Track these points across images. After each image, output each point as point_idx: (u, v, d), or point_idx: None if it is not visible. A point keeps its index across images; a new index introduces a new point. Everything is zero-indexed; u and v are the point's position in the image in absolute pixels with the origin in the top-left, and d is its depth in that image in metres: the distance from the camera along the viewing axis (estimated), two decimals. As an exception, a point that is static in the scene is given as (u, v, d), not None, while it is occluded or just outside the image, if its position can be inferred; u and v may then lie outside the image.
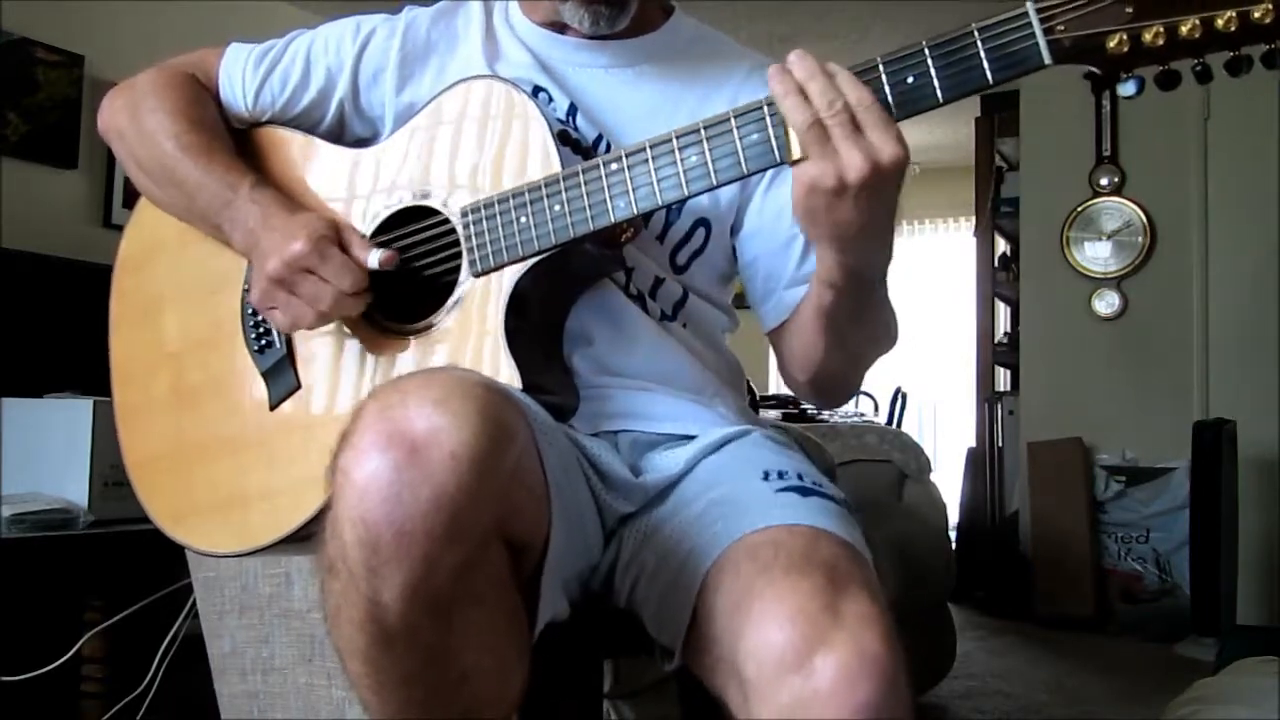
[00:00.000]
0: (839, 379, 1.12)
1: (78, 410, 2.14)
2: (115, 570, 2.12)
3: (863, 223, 0.90)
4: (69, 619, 2.14)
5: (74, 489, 2.13)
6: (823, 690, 0.76)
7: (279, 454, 1.11)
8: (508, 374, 0.98)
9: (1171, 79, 0.85)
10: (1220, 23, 0.80)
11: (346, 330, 1.10)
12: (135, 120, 1.18)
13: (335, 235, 1.05)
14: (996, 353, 4.95)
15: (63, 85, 3.28)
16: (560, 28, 1.16)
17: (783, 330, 1.13)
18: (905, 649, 0.80)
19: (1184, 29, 0.81)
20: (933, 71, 0.87)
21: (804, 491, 0.96)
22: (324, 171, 1.16)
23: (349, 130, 1.21)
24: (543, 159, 1.02)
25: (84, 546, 2.08)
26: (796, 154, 0.90)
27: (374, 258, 1.05)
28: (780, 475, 0.99)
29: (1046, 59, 0.84)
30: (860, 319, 1.04)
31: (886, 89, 0.88)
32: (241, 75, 1.20)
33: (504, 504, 0.79)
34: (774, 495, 0.95)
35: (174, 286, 1.24)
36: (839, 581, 0.81)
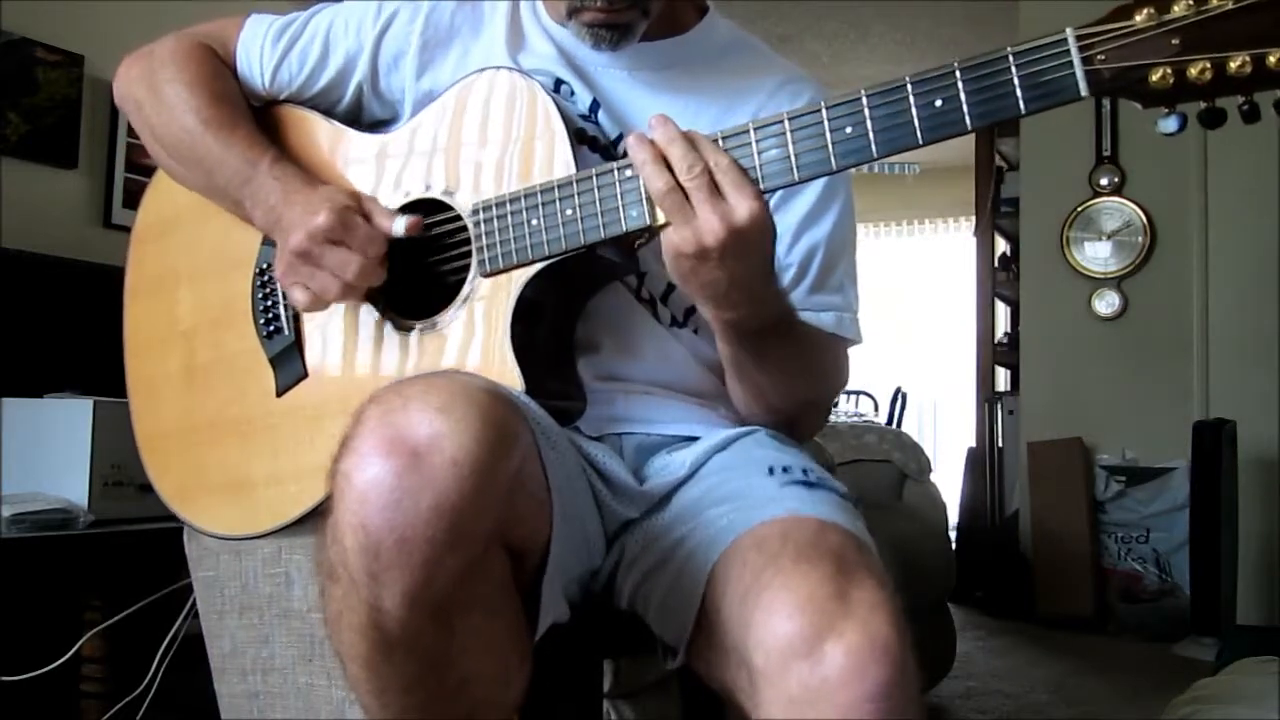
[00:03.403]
0: (760, 417, 1.11)
1: (78, 410, 2.14)
2: (115, 570, 2.12)
3: (730, 281, 0.90)
4: (69, 619, 2.13)
5: (74, 489, 2.12)
6: (833, 677, 0.76)
7: (285, 442, 1.11)
8: (512, 377, 0.97)
9: (1217, 117, 0.79)
10: (1273, 60, 0.75)
11: (355, 321, 1.09)
12: (153, 91, 1.17)
13: (357, 205, 1.04)
14: (996, 353, 4.96)
15: (63, 85, 3.27)
16: None
17: None
18: (914, 635, 0.80)
19: (1233, 65, 0.76)
20: (962, 96, 0.83)
21: (809, 485, 0.96)
22: (339, 155, 1.14)
23: (367, 111, 1.18)
24: (557, 158, 1.00)
25: (84, 546, 2.08)
26: (661, 219, 0.90)
27: (399, 224, 1.03)
28: (785, 470, 0.98)
29: (1083, 90, 0.79)
30: (764, 368, 1.04)
31: (913, 110, 0.84)
32: (260, 51, 1.17)
33: (506, 510, 0.79)
34: (780, 489, 0.95)
35: (189, 261, 1.23)
36: (847, 569, 0.81)
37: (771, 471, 0.98)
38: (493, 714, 0.84)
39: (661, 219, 0.91)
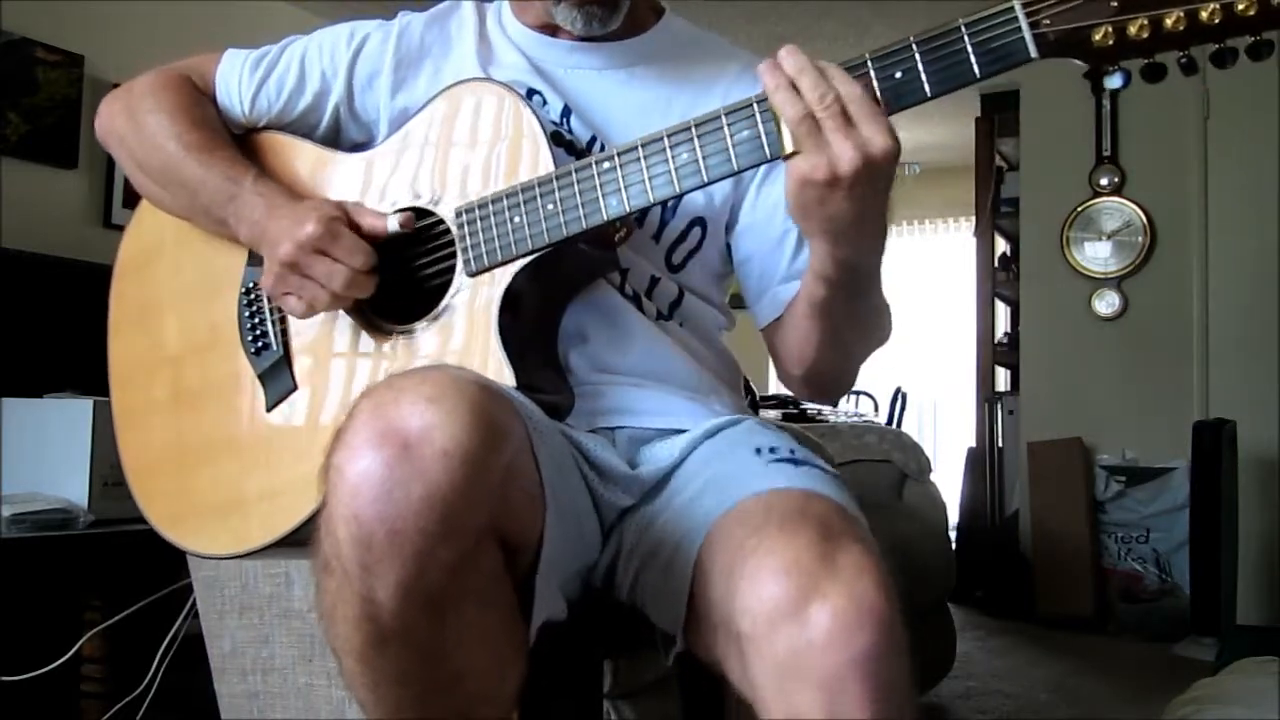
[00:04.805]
0: (834, 374, 1.12)
1: (78, 410, 2.14)
2: (115, 570, 2.12)
3: (855, 215, 0.90)
4: (69, 619, 2.14)
5: (74, 489, 2.13)
6: (819, 639, 0.76)
7: (276, 455, 1.12)
8: (502, 373, 0.98)
9: (1157, 71, 0.86)
10: (1204, 15, 0.80)
11: (342, 332, 1.10)
12: (134, 122, 1.19)
13: (345, 216, 1.06)
14: (996, 353, 4.95)
15: (63, 85, 3.28)
16: (552, 30, 1.16)
17: (777, 326, 1.13)
18: (902, 594, 0.80)
19: (1168, 21, 0.82)
20: (920, 67, 0.87)
21: (796, 463, 0.96)
22: (321, 175, 1.17)
23: (345, 134, 1.21)
24: (537, 161, 1.02)
25: (84, 546, 2.08)
26: (789, 148, 0.90)
27: (393, 221, 1.05)
28: (772, 450, 0.99)
29: (1032, 53, 0.84)
30: (854, 312, 1.04)
31: (875, 85, 0.89)
32: (238, 80, 1.20)
33: (498, 502, 0.79)
34: (766, 466, 0.95)
35: (172, 290, 1.24)
36: (832, 535, 0.81)
37: (759, 452, 0.99)
38: (489, 709, 0.84)
39: (789, 148, 0.91)
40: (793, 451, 0.99)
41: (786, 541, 0.81)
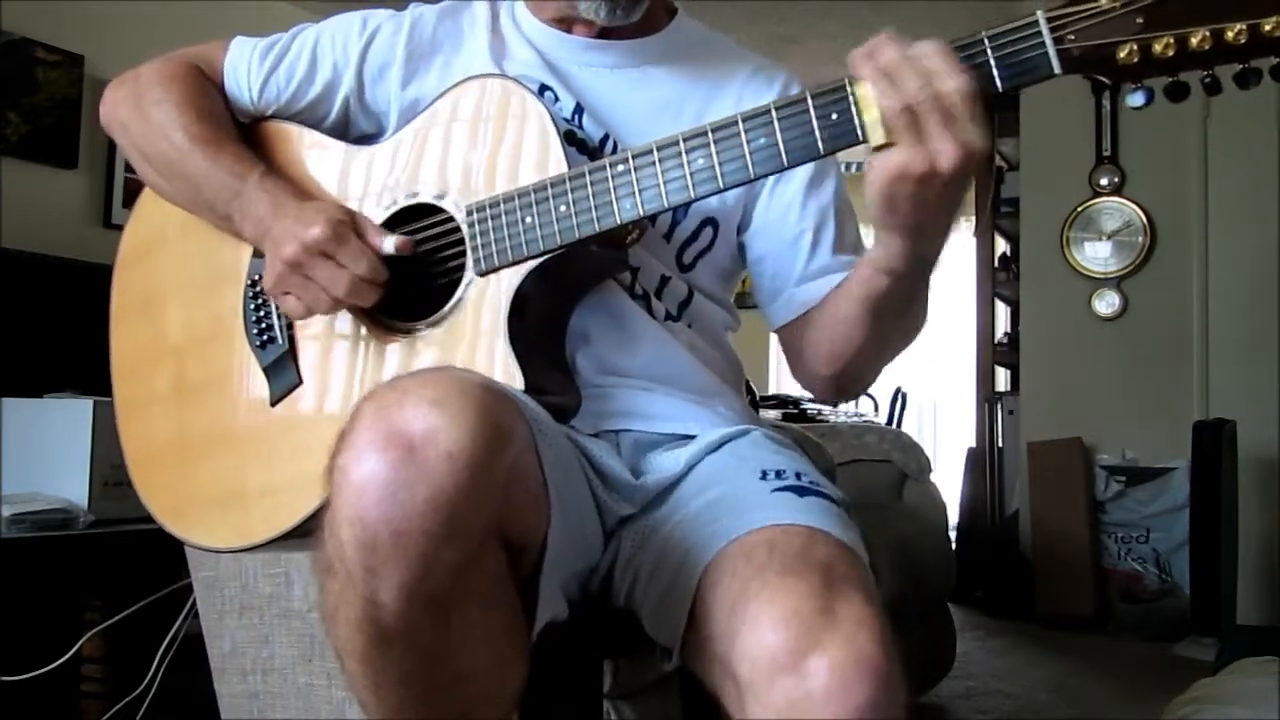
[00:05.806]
0: (866, 370, 1.11)
1: (78, 410, 2.14)
2: (115, 570, 2.12)
3: (940, 209, 0.88)
4: (69, 619, 2.14)
5: (74, 489, 2.13)
6: (816, 692, 0.76)
7: (280, 450, 1.11)
8: (509, 374, 0.98)
9: (1180, 90, 0.85)
10: (1230, 35, 0.79)
11: (349, 327, 1.10)
12: (140, 111, 1.18)
13: (351, 221, 1.05)
14: (996, 353, 4.95)
15: (63, 85, 3.28)
16: (567, 27, 1.16)
17: (803, 326, 1.12)
18: (901, 650, 0.79)
19: (1194, 40, 0.81)
20: None
21: (801, 491, 0.96)
22: (329, 167, 1.16)
23: (354, 125, 1.20)
24: (549, 159, 1.01)
25: (84, 546, 2.08)
26: (879, 139, 0.86)
27: (389, 243, 1.04)
28: (778, 474, 0.98)
29: (1056, 68, 0.83)
30: (909, 307, 1.03)
31: None
32: (247, 69, 1.19)
33: (501, 504, 0.79)
34: (770, 494, 0.95)
35: (175, 281, 1.23)
36: (834, 583, 0.81)
37: (764, 476, 0.98)
38: (490, 710, 0.84)
39: (878, 139, 0.86)
40: (799, 475, 0.99)
41: (787, 588, 0.80)
